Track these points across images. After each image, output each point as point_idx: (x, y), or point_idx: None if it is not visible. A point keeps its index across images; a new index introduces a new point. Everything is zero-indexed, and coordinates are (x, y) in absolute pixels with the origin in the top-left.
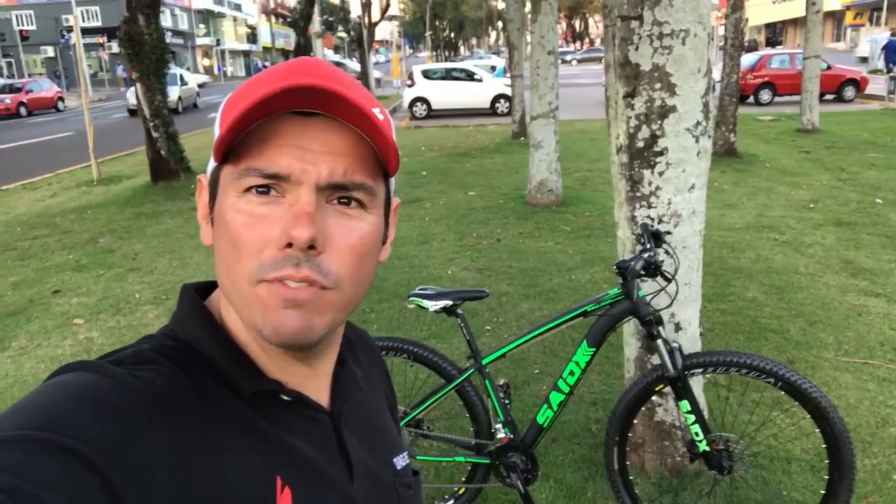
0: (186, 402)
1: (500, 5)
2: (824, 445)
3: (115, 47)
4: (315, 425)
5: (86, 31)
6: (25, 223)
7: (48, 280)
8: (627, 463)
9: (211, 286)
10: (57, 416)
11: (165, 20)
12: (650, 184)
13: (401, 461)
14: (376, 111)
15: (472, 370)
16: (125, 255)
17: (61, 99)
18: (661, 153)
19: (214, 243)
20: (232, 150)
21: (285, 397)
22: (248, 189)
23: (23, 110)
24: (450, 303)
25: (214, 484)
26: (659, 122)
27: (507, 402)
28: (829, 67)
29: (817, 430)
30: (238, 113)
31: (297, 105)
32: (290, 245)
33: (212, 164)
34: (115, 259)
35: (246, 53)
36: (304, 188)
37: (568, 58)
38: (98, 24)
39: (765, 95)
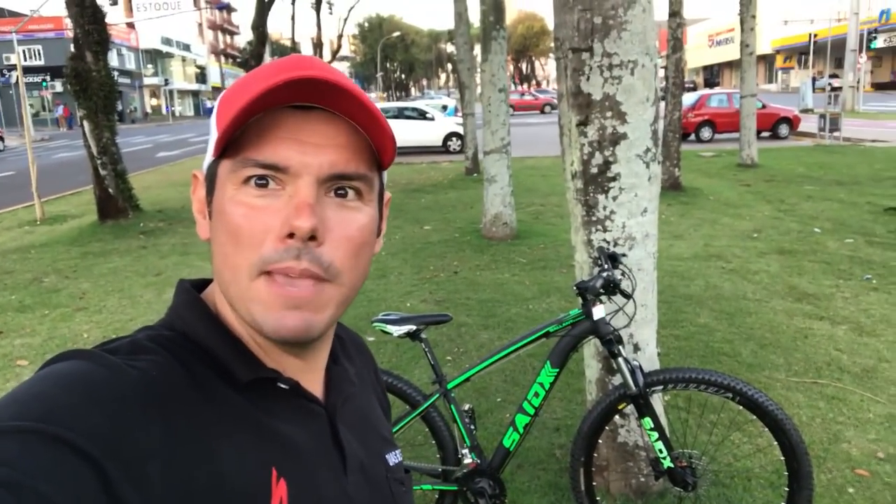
0: (182, 393)
1: (450, 48)
2: (782, 458)
3: (58, 86)
4: (310, 417)
5: (28, 70)
6: None
7: None
8: (594, 484)
9: (205, 283)
10: (52, 407)
11: (112, 59)
12: (605, 208)
13: (393, 458)
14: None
15: (437, 395)
16: (72, 294)
17: (0, 139)
18: (614, 178)
19: (212, 236)
20: (230, 144)
21: (283, 385)
22: (247, 180)
23: None
24: (414, 327)
25: (209, 475)
26: (611, 148)
27: (472, 427)
28: (764, 106)
29: (775, 444)
30: (240, 106)
31: (297, 98)
32: (291, 236)
33: (209, 158)
34: (61, 299)
35: (195, 93)
36: (303, 180)
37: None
38: (41, 62)
39: (705, 133)
